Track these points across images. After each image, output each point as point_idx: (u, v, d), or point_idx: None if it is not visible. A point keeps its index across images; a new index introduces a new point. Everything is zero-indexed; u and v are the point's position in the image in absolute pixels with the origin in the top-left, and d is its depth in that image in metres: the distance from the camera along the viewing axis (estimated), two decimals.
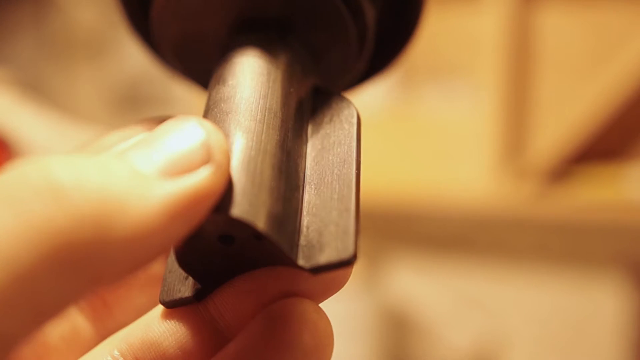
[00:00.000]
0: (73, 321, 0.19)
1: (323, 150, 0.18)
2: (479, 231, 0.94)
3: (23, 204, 0.12)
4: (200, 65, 0.21)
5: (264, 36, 0.19)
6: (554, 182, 0.82)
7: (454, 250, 0.96)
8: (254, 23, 0.19)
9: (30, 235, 0.11)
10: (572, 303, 0.88)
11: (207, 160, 0.14)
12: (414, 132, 0.90)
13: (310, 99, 0.19)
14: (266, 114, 0.17)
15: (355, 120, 0.18)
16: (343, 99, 0.19)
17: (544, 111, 0.83)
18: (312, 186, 0.17)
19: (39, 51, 1.23)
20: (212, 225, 0.15)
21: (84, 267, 0.12)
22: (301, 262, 0.15)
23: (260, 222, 0.15)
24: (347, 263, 0.15)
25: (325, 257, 0.15)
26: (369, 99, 0.87)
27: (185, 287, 0.17)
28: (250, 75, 0.18)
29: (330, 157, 0.17)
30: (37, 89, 1.05)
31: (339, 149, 0.17)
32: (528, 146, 0.84)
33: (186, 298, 0.17)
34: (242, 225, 0.15)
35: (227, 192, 0.15)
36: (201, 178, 0.14)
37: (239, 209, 0.15)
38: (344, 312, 0.84)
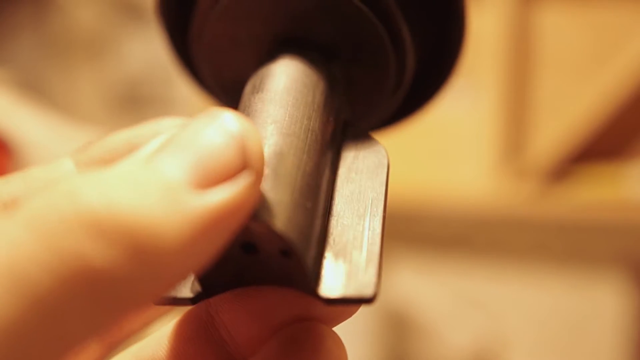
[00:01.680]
0: None
1: (350, 185, 0.17)
2: (479, 231, 0.94)
3: (53, 237, 0.11)
4: (231, 74, 0.20)
5: (310, 55, 0.19)
6: (554, 182, 0.82)
7: (454, 250, 0.95)
8: (301, 41, 0.19)
9: (60, 268, 0.11)
10: (572, 303, 0.88)
11: (243, 165, 0.13)
12: (414, 132, 0.89)
13: (341, 133, 0.19)
14: (309, 134, 0.17)
15: (385, 161, 0.18)
16: (372, 139, 0.18)
17: (544, 111, 0.83)
18: (337, 220, 0.17)
19: (39, 51, 1.23)
20: (244, 231, 0.14)
21: (112, 295, 0.11)
22: (318, 290, 0.15)
23: (296, 240, 0.14)
24: (366, 301, 0.15)
25: (344, 290, 0.15)
26: None
27: (184, 288, 0.17)
28: (294, 94, 0.17)
29: (358, 195, 0.17)
30: (37, 89, 1.05)
31: (367, 190, 0.17)
32: (528, 146, 0.84)
33: (183, 299, 0.16)
34: (278, 239, 0.14)
35: (264, 200, 0.14)
36: (239, 190, 0.13)
37: (280, 223, 0.14)
38: None
